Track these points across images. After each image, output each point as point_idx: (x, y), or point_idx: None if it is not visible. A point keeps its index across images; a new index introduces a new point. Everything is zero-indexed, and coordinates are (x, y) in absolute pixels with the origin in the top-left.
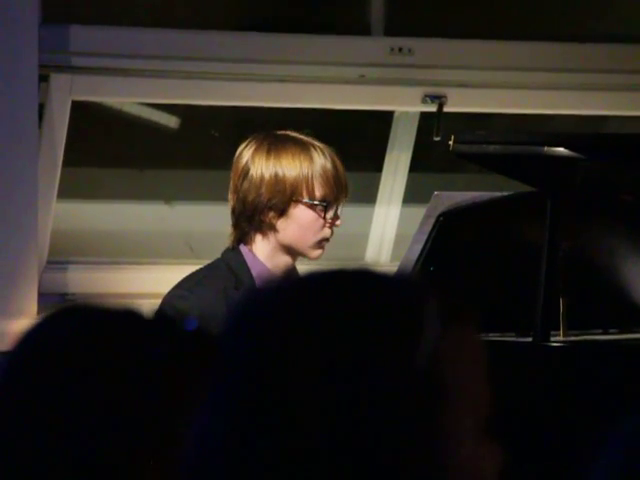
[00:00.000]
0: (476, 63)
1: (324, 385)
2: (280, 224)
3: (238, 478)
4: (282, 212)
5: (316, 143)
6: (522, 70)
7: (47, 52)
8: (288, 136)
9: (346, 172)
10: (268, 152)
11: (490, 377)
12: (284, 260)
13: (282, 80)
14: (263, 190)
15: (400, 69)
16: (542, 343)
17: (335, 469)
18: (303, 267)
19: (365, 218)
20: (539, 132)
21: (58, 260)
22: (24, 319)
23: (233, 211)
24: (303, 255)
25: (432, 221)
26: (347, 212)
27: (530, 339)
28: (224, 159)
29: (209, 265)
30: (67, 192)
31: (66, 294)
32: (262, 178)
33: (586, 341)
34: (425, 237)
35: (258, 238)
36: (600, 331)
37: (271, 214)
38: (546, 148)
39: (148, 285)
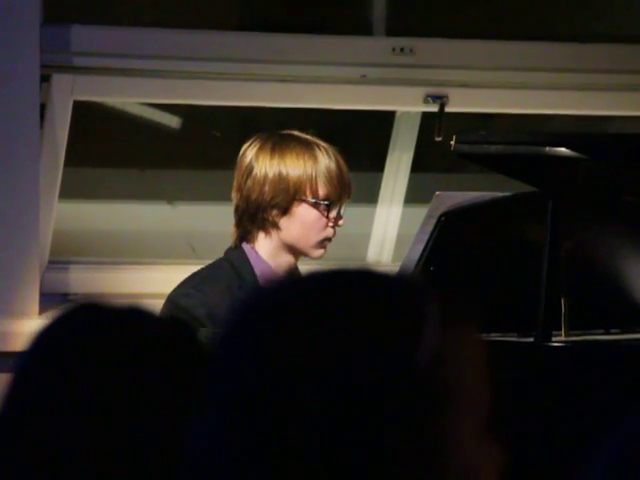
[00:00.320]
0: (478, 63)
1: (324, 385)
2: (283, 223)
3: (238, 478)
4: (285, 211)
5: (320, 143)
6: (523, 70)
7: (49, 52)
8: (292, 135)
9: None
10: (272, 151)
11: (492, 377)
12: (286, 259)
13: (283, 80)
14: (267, 188)
15: (402, 69)
16: (544, 343)
17: (335, 469)
18: (304, 267)
19: (366, 218)
20: (541, 132)
21: (60, 260)
22: (26, 319)
23: (236, 209)
24: (305, 254)
25: (434, 221)
26: (349, 212)
27: (532, 339)
28: (226, 159)
29: (212, 264)
30: (69, 192)
31: (68, 294)
32: (266, 176)
33: (588, 341)
34: (426, 237)
35: (261, 236)
36: (602, 331)
37: (274, 213)
38: (548, 148)
39: (150, 285)
